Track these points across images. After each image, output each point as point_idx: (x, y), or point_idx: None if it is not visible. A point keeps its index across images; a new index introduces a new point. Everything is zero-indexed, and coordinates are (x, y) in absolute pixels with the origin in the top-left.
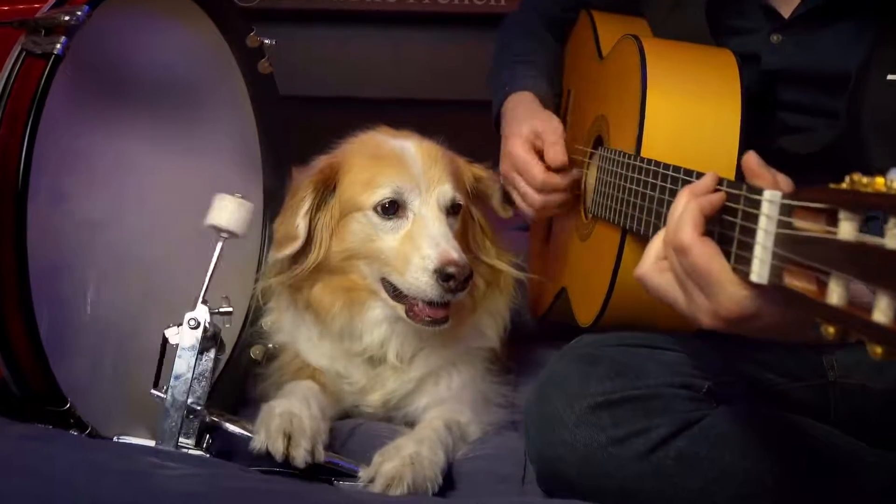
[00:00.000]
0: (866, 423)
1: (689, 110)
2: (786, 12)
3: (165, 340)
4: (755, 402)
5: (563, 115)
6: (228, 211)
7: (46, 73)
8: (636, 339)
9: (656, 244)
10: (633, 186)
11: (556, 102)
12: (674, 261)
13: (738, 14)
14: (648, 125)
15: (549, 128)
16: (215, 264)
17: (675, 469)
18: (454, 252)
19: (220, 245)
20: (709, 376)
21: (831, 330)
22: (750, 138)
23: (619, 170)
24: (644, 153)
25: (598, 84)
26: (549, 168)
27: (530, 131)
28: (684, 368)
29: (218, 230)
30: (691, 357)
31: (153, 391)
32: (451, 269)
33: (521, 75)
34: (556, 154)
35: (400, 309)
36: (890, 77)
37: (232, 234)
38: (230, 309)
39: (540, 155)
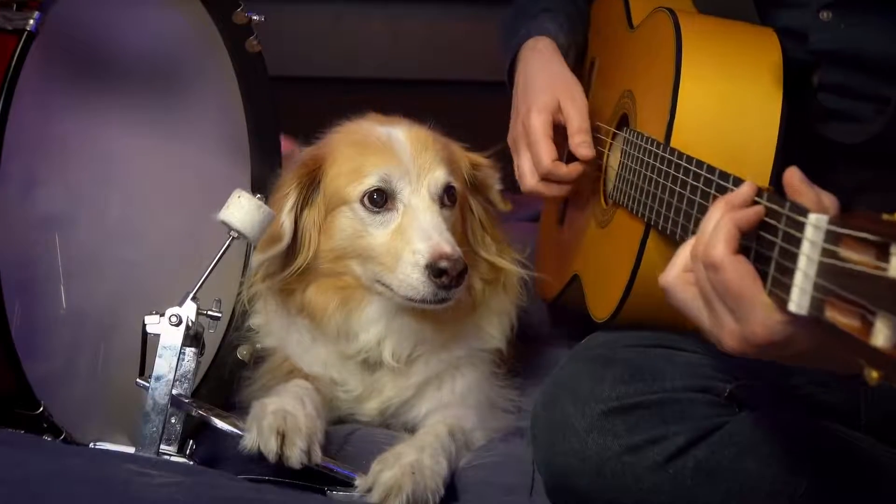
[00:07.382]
0: None
1: (725, 97)
2: None
3: (145, 327)
4: (780, 407)
5: (587, 87)
6: (243, 210)
7: (18, 50)
8: (653, 339)
9: (684, 253)
10: (661, 180)
11: (578, 56)
12: (701, 276)
13: None
14: (681, 111)
15: (575, 108)
16: (217, 262)
17: (694, 480)
18: (447, 245)
19: (227, 243)
20: (730, 379)
21: (874, 374)
22: (789, 123)
23: (645, 157)
24: (674, 141)
25: (626, 56)
26: (557, 159)
27: (553, 101)
28: (704, 371)
29: (228, 227)
30: (711, 358)
31: (139, 380)
32: (444, 264)
33: (543, 19)
34: (584, 147)
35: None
36: None
37: (242, 236)
38: (219, 314)
39: (557, 128)
